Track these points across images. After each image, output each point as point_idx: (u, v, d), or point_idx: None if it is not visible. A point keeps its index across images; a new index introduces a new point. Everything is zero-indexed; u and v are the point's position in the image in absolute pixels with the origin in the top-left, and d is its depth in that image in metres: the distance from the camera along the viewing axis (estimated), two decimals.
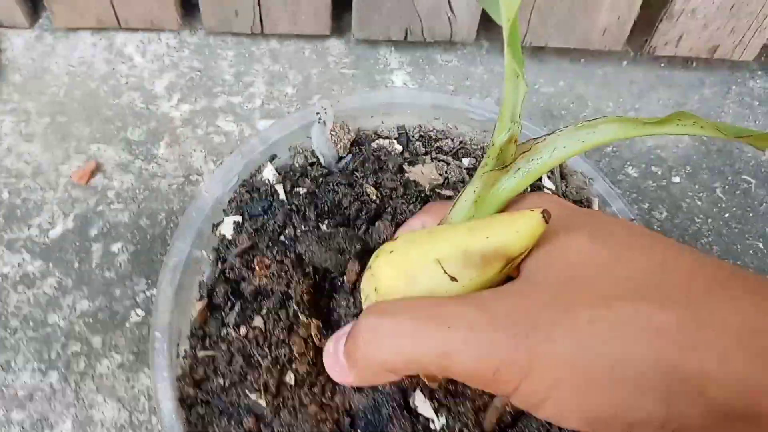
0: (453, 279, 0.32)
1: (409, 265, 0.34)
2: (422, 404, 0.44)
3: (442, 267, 0.32)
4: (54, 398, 0.57)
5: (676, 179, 0.74)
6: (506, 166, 0.35)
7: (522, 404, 0.29)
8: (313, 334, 0.46)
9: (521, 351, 0.27)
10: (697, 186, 0.74)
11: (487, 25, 0.79)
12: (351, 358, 0.33)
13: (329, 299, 0.48)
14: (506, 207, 0.37)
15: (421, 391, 0.45)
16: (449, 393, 0.44)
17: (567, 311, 0.27)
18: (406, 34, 0.75)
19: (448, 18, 0.73)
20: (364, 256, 0.47)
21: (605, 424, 0.27)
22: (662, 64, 0.82)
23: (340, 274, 0.48)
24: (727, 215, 0.72)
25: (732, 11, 0.73)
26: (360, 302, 0.44)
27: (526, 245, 0.31)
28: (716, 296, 0.28)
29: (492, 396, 0.44)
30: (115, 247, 0.64)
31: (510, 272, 0.33)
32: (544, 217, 0.30)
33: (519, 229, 0.31)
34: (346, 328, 0.35)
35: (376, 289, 0.36)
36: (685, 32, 0.75)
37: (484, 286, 0.32)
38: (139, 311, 0.61)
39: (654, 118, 0.31)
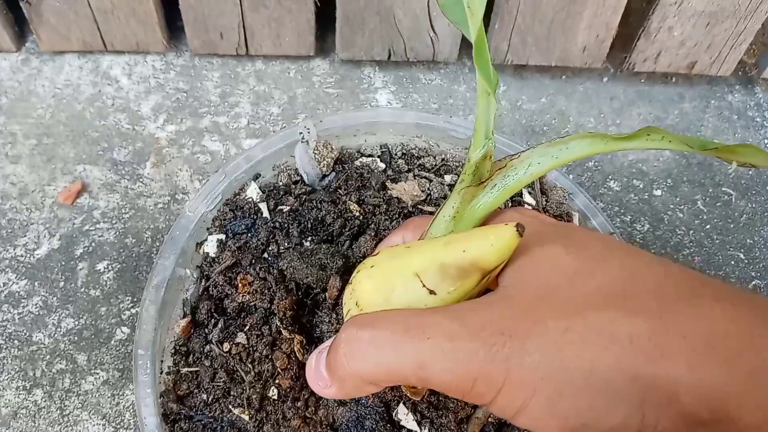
0: (431, 292, 0.33)
1: (388, 278, 0.35)
2: (405, 417, 0.45)
3: (421, 280, 0.33)
4: (38, 416, 0.57)
5: (658, 192, 0.75)
6: (483, 182, 0.35)
7: (500, 414, 0.29)
8: (296, 349, 0.46)
9: (497, 363, 0.27)
10: (678, 198, 0.75)
11: (469, 43, 0.81)
12: (332, 371, 0.33)
13: (312, 315, 0.49)
14: (485, 222, 0.37)
15: (404, 404, 0.45)
16: (432, 405, 0.45)
17: (540, 322, 0.28)
18: (390, 53, 0.76)
19: (431, 38, 0.75)
20: (346, 273, 0.48)
21: (583, 430, 0.27)
22: (642, 80, 0.83)
23: (322, 290, 0.49)
24: (708, 227, 0.73)
25: (707, 28, 0.74)
26: (342, 318, 0.44)
27: (502, 258, 0.32)
28: (685, 304, 0.28)
29: (475, 407, 0.45)
30: (101, 266, 0.64)
31: (489, 284, 0.34)
32: (518, 230, 0.31)
33: (494, 242, 0.31)
34: (328, 343, 0.36)
35: (357, 304, 0.36)
36: (663, 49, 0.77)
37: (462, 299, 0.33)
38: (125, 329, 0.61)
39: (623, 134, 0.32)
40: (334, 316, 0.46)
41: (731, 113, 0.83)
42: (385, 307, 0.34)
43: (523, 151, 0.35)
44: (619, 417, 0.26)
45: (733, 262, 0.71)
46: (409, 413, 0.45)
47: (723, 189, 0.77)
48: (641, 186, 0.76)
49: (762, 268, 0.71)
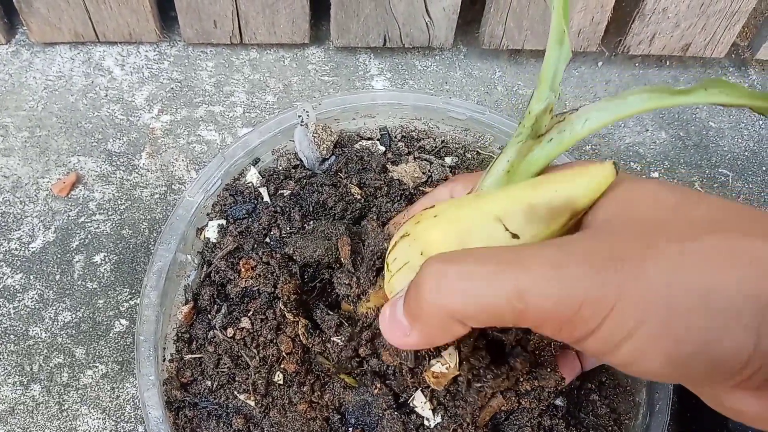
0: (514, 236, 0.31)
1: (462, 225, 0.33)
2: (421, 405, 0.44)
3: (503, 224, 0.31)
4: (36, 411, 0.56)
5: (655, 174, 0.75)
6: (540, 136, 0.34)
7: (598, 347, 0.27)
8: (300, 333, 0.45)
9: (610, 286, 0.26)
10: (675, 180, 0.75)
11: (464, 29, 0.80)
12: (413, 313, 0.31)
13: (319, 299, 0.48)
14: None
15: (422, 391, 0.44)
16: (450, 394, 0.43)
17: (653, 247, 0.26)
18: (385, 40, 0.76)
19: (426, 23, 0.74)
20: (352, 236, 0.47)
21: (689, 361, 0.26)
22: (636, 63, 0.83)
23: (332, 260, 0.47)
24: None
25: (702, 9, 0.74)
26: (363, 278, 0.43)
27: (595, 196, 0.31)
28: None
29: (492, 396, 0.44)
30: (98, 258, 0.63)
31: (567, 231, 0.32)
32: (615, 167, 0.30)
33: (591, 179, 0.30)
34: (402, 292, 0.33)
35: (422, 253, 0.34)
36: (657, 32, 0.77)
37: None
38: (123, 321, 0.60)
39: (681, 88, 0.31)
40: (355, 279, 0.44)
41: None
42: None
43: (581, 107, 0.34)
44: (733, 341, 0.25)
45: None
46: (427, 402, 0.44)
47: (720, 170, 0.77)
48: (639, 168, 0.76)
49: None
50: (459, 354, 0.40)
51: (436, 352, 0.41)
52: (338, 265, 0.47)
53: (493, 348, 0.42)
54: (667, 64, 0.84)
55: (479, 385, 0.41)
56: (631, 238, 0.27)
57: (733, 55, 0.85)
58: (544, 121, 0.34)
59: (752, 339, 0.25)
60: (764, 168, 0.77)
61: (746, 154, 0.78)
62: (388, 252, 0.38)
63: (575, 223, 0.32)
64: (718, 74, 0.84)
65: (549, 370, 0.43)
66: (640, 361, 0.27)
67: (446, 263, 0.29)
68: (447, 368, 0.40)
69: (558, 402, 0.48)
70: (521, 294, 0.27)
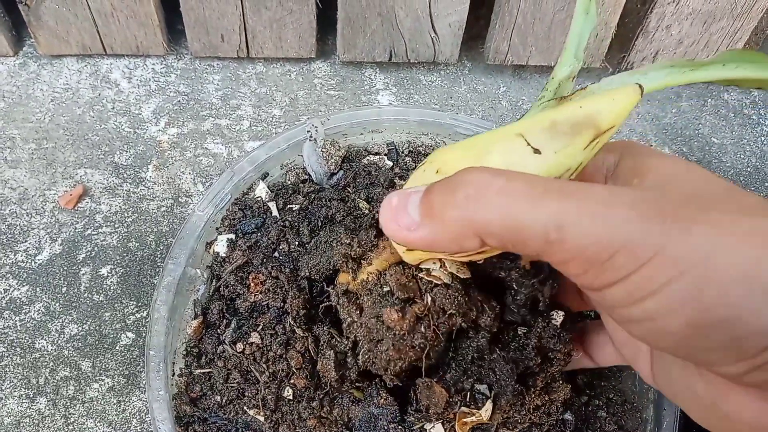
0: (536, 151, 0.30)
1: (481, 144, 0.32)
2: None
3: (525, 139, 0.30)
4: (42, 424, 0.56)
5: None
6: (563, 98, 0.34)
7: (620, 296, 0.27)
8: (310, 348, 0.45)
9: (652, 235, 0.25)
10: None
11: (469, 44, 0.81)
12: (432, 211, 0.30)
13: (326, 315, 0.48)
14: None
15: (442, 424, 0.44)
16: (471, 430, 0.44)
17: (705, 212, 0.26)
18: (391, 55, 0.76)
19: (432, 38, 0.75)
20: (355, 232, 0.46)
21: (711, 330, 0.25)
22: None
23: (340, 264, 0.45)
24: None
25: (704, 27, 0.75)
26: (366, 238, 0.42)
27: (619, 117, 0.30)
28: None
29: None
30: (104, 271, 0.63)
31: (593, 155, 0.31)
32: (639, 86, 0.30)
33: (615, 96, 0.30)
34: (417, 187, 0.32)
35: (437, 171, 0.33)
36: (660, 48, 0.78)
37: (567, 163, 0.31)
38: (130, 334, 0.60)
39: (700, 61, 0.31)
40: (356, 238, 0.43)
41: (728, 111, 0.83)
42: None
43: (603, 78, 0.34)
44: (764, 321, 0.24)
45: None
46: None
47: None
48: None
49: None
50: (494, 406, 0.40)
51: (472, 402, 0.41)
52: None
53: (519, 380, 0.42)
54: None
55: (508, 430, 0.42)
56: (684, 200, 0.26)
57: None
58: (567, 86, 0.34)
59: None
60: (767, 184, 0.78)
61: (749, 169, 0.79)
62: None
63: (599, 157, 0.32)
64: (720, 90, 0.85)
65: (560, 382, 0.43)
66: (660, 318, 0.26)
67: (493, 174, 0.28)
68: (478, 418, 0.40)
69: (567, 416, 0.48)
70: (561, 224, 0.26)
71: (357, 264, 0.41)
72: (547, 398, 0.43)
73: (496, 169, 0.29)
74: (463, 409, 0.42)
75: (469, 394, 0.42)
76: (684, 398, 0.33)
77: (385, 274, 0.40)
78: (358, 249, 0.41)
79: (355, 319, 0.41)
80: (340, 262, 0.42)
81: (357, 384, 0.46)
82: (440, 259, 0.39)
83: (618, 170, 0.33)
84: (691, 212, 0.25)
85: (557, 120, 0.30)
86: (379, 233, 0.42)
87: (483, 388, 0.43)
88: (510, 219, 0.27)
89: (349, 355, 0.43)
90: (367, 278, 0.41)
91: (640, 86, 0.29)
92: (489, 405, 0.41)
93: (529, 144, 0.30)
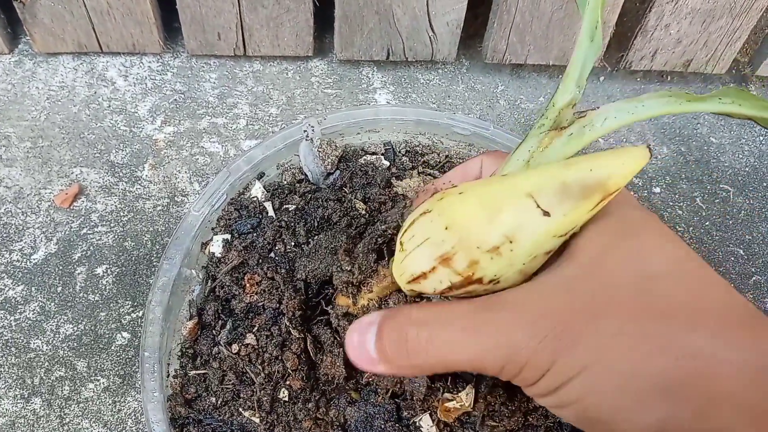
0: (546, 213, 0.31)
1: (491, 201, 0.33)
2: (428, 427, 0.44)
3: (535, 200, 0.31)
4: (37, 425, 0.55)
5: (657, 189, 0.76)
6: (561, 128, 0.34)
7: (534, 393, 0.32)
8: (309, 348, 0.45)
9: (546, 352, 0.29)
10: (677, 195, 0.75)
11: (467, 43, 0.81)
12: (384, 358, 0.35)
13: (323, 315, 0.48)
14: None
15: (430, 415, 0.44)
16: (459, 421, 0.43)
17: (594, 321, 0.29)
18: (388, 53, 0.76)
19: (429, 37, 0.74)
20: (356, 241, 0.46)
21: (594, 425, 0.30)
22: (638, 79, 0.84)
23: (340, 288, 0.45)
24: (707, 223, 0.74)
25: (703, 26, 0.75)
26: (365, 263, 0.42)
27: (628, 178, 0.31)
28: (746, 331, 0.29)
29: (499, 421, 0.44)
30: (100, 270, 0.63)
31: (588, 218, 0.32)
32: (648, 148, 0.31)
33: (625, 161, 0.31)
34: (368, 318, 0.37)
35: (446, 228, 0.34)
36: (659, 48, 0.77)
37: (573, 226, 0.32)
38: (125, 334, 0.60)
39: (697, 95, 0.32)
40: (356, 264, 0.43)
41: None
42: (487, 228, 0.32)
43: (603, 105, 0.34)
44: (635, 425, 0.28)
45: (732, 258, 0.72)
46: (434, 426, 0.44)
47: (721, 186, 0.77)
48: (640, 183, 0.76)
49: (761, 264, 0.71)
50: (476, 393, 0.40)
51: (452, 387, 0.41)
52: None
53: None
54: (669, 79, 0.84)
55: (494, 423, 0.41)
56: (581, 306, 0.30)
57: (733, 71, 0.85)
58: (566, 114, 0.34)
59: (655, 427, 0.28)
60: (765, 184, 0.77)
61: (747, 169, 0.78)
62: (402, 231, 0.37)
63: (574, 236, 0.33)
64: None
65: None
66: (559, 409, 0.31)
67: (420, 328, 0.33)
68: (461, 405, 0.40)
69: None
70: (479, 358, 0.31)
71: (357, 289, 0.42)
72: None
73: (429, 317, 0.34)
74: (446, 395, 0.42)
75: (450, 379, 0.42)
76: None
77: (386, 302, 0.41)
78: (359, 276, 0.42)
79: None
80: (341, 286, 0.43)
81: (358, 386, 0.46)
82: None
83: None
84: (582, 321, 0.29)
85: (567, 182, 0.31)
86: (379, 256, 0.43)
87: (465, 374, 0.43)
88: (443, 362, 0.33)
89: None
90: (368, 304, 0.41)
91: (649, 149, 0.31)
92: (470, 390, 0.41)
93: (539, 206, 0.31)
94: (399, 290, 0.41)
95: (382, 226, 0.44)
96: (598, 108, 0.34)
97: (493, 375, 0.32)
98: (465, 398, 0.40)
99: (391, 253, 0.42)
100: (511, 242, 0.32)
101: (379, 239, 0.43)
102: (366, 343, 0.36)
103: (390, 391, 0.44)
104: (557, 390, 0.30)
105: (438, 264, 0.34)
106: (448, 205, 0.35)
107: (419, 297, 0.40)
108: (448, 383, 0.42)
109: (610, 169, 0.31)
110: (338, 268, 0.43)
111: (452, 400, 0.41)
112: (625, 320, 0.29)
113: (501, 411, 0.41)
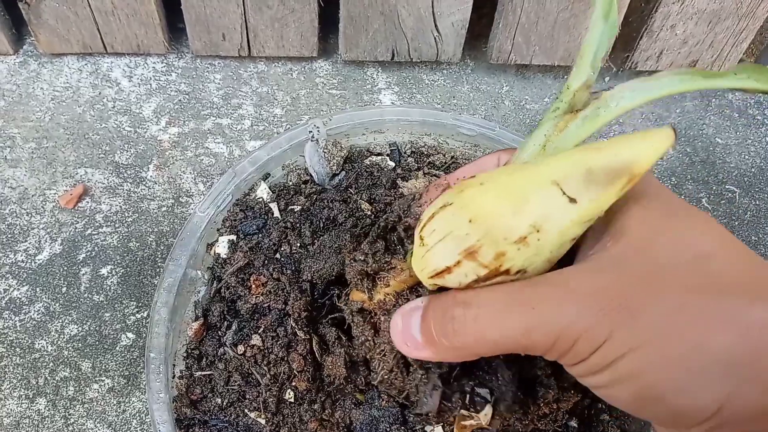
0: (572, 200, 0.31)
1: (516, 191, 0.32)
2: None
3: (560, 188, 0.31)
4: (42, 425, 0.55)
5: None
6: (577, 111, 0.34)
7: (582, 371, 0.31)
8: (315, 349, 0.45)
9: (603, 325, 0.28)
10: (683, 196, 0.75)
11: (472, 44, 0.81)
12: (430, 341, 0.35)
13: (328, 315, 0.48)
14: None
15: (443, 427, 0.44)
16: None
17: (655, 295, 0.28)
18: (393, 54, 0.76)
19: (434, 37, 0.74)
20: (360, 240, 0.46)
21: (653, 403, 0.28)
22: None
23: (354, 281, 0.44)
24: None
25: (709, 27, 0.75)
26: (380, 255, 0.41)
27: (654, 160, 0.30)
28: None
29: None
30: (104, 271, 0.63)
31: (604, 221, 0.32)
32: (673, 129, 0.30)
33: (651, 142, 0.30)
34: (412, 303, 0.37)
35: (470, 221, 0.33)
36: (665, 48, 0.77)
37: (599, 211, 0.31)
38: (130, 334, 0.60)
39: (712, 71, 0.32)
40: (370, 255, 0.41)
41: (732, 111, 0.83)
42: (513, 219, 0.32)
43: (616, 86, 0.33)
44: (699, 400, 0.27)
45: None
46: None
47: (727, 186, 0.77)
48: None
49: None
50: (493, 411, 0.40)
51: (470, 404, 0.41)
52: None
53: (522, 388, 0.42)
54: None
55: None
56: (637, 282, 0.29)
57: None
58: (581, 97, 0.34)
59: (718, 403, 0.27)
60: None
61: (753, 170, 0.78)
62: (421, 225, 0.36)
63: (607, 223, 0.32)
64: (725, 90, 0.84)
65: (572, 391, 0.43)
66: (611, 388, 0.30)
67: (466, 308, 0.32)
68: (477, 423, 0.40)
69: (572, 423, 0.47)
70: (527, 334, 0.30)
71: (372, 282, 0.41)
72: (555, 406, 0.43)
73: (471, 298, 0.33)
74: (462, 412, 0.41)
75: (468, 396, 0.42)
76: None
77: (404, 296, 0.39)
78: (374, 265, 0.40)
79: (369, 338, 0.41)
80: (355, 279, 0.41)
81: (360, 387, 0.46)
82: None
83: (608, 213, 0.34)
84: (642, 296, 0.29)
85: (592, 168, 0.30)
86: (387, 249, 0.42)
87: (484, 392, 0.42)
88: (489, 341, 0.32)
89: (361, 365, 0.43)
90: (384, 299, 0.40)
91: (674, 129, 0.30)
92: (488, 409, 0.41)
93: (565, 193, 0.31)
94: (417, 284, 0.40)
95: (390, 217, 0.43)
96: (611, 88, 0.33)
97: (540, 353, 0.31)
98: (483, 418, 0.40)
99: (401, 244, 0.42)
100: (538, 231, 0.31)
101: (383, 228, 0.43)
102: (410, 327, 0.36)
103: (395, 399, 0.44)
104: (611, 364, 0.29)
105: (463, 258, 0.33)
106: (471, 197, 0.34)
107: (441, 290, 0.39)
108: (466, 400, 0.41)
109: (636, 152, 0.30)
110: (351, 260, 0.42)
111: (470, 418, 0.40)
112: (685, 296, 0.28)
113: (515, 426, 0.41)
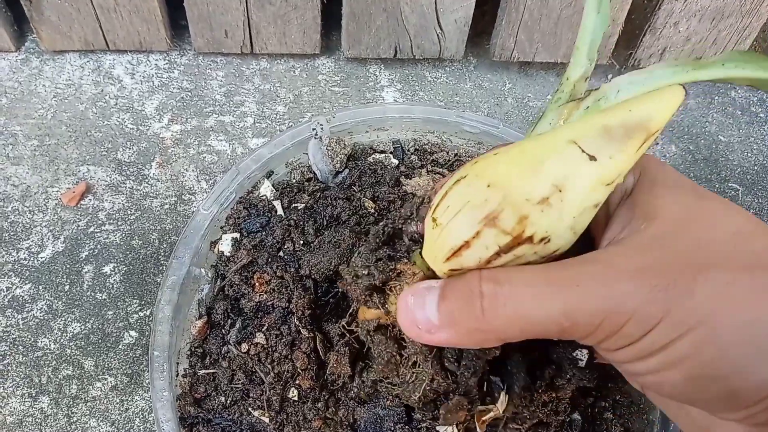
0: (592, 158, 0.30)
1: (533, 152, 0.31)
2: None
3: (579, 146, 0.30)
4: (45, 423, 0.55)
5: None
6: (579, 99, 0.34)
7: (630, 355, 0.29)
8: (319, 347, 0.45)
9: (657, 302, 0.27)
10: None
11: (475, 41, 0.80)
12: (454, 320, 0.32)
13: (333, 314, 0.48)
14: None
15: (456, 426, 0.44)
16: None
17: (705, 272, 0.27)
18: (396, 51, 0.76)
19: (437, 35, 0.74)
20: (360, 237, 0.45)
21: (708, 383, 0.27)
22: None
23: (363, 299, 0.42)
24: None
25: (713, 24, 0.74)
26: (382, 260, 0.39)
27: (667, 116, 0.30)
28: None
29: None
30: (107, 269, 0.62)
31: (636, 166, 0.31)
32: (683, 87, 0.30)
33: (663, 98, 0.30)
34: (426, 283, 0.34)
35: (488, 186, 0.32)
36: (668, 45, 0.77)
37: (619, 173, 0.30)
38: (133, 332, 0.60)
39: (701, 62, 0.31)
40: (374, 261, 0.40)
41: (735, 109, 0.83)
42: (533, 179, 0.30)
43: (614, 77, 0.34)
44: (759, 376, 0.26)
45: None
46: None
47: (729, 185, 0.77)
48: None
49: None
50: (508, 399, 0.40)
51: (489, 397, 0.41)
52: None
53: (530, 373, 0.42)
54: None
55: (516, 426, 0.41)
56: (682, 260, 0.28)
57: None
58: (580, 87, 0.34)
59: None
60: None
61: (756, 168, 0.78)
62: (433, 208, 0.35)
63: (629, 211, 0.32)
64: (727, 88, 0.84)
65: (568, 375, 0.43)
66: (662, 372, 0.28)
67: (497, 283, 0.30)
68: (495, 413, 0.40)
69: (575, 416, 0.47)
70: (569, 313, 0.28)
71: (383, 295, 0.39)
72: (553, 395, 0.43)
73: (500, 275, 0.30)
74: (480, 408, 0.41)
75: (485, 386, 0.42)
76: (678, 415, 0.34)
77: None
78: (380, 276, 0.38)
79: (395, 354, 0.39)
80: (363, 297, 0.39)
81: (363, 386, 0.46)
82: None
83: (633, 199, 0.33)
84: (690, 272, 0.27)
85: (610, 125, 0.30)
86: (390, 257, 0.40)
87: (496, 379, 0.42)
88: (523, 322, 0.29)
89: (366, 372, 0.43)
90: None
91: (684, 87, 0.30)
92: (504, 397, 0.41)
93: (584, 151, 0.30)
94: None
95: (390, 223, 0.43)
96: (609, 80, 0.33)
97: (579, 337, 0.29)
98: (500, 407, 0.40)
99: (406, 249, 0.41)
100: (560, 191, 0.30)
101: (386, 231, 0.42)
102: (425, 306, 0.32)
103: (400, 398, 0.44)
104: (667, 346, 0.27)
105: (483, 227, 0.31)
106: (486, 165, 0.33)
107: None
108: (483, 390, 0.41)
109: (649, 108, 0.30)
110: (353, 276, 0.39)
111: (488, 412, 0.40)
112: (735, 272, 0.27)
113: (523, 414, 0.41)
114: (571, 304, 0.28)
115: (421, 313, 0.33)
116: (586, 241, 0.33)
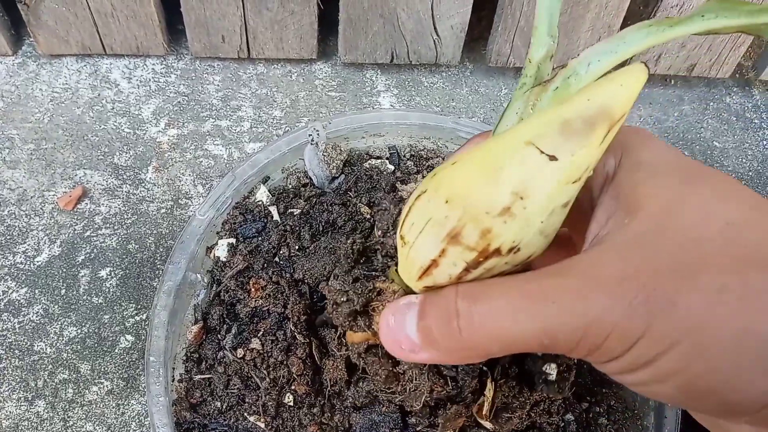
0: (552, 158, 0.28)
1: (490, 159, 0.29)
2: None
3: (537, 147, 0.28)
4: (41, 427, 0.55)
5: None
6: (546, 82, 0.31)
7: (617, 369, 0.27)
8: (314, 353, 0.45)
9: (637, 317, 0.25)
10: None
11: (471, 46, 0.81)
12: (429, 341, 0.31)
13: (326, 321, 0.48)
14: None
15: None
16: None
17: (691, 278, 0.25)
18: (392, 56, 0.76)
19: (434, 40, 0.74)
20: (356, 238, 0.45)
21: (702, 395, 0.26)
22: None
23: (347, 324, 0.42)
24: None
25: None
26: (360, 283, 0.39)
27: (630, 101, 0.28)
28: None
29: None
30: (103, 273, 0.63)
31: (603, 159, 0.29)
32: (644, 64, 0.28)
33: (623, 81, 0.27)
34: (405, 299, 0.32)
35: (447, 201, 0.30)
36: (663, 51, 0.77)
37: (586, 167, 0.28)
38: (129, 337, 0.60)
39: (677, 17, 0.29)
40: (350, 286, 0.39)
41: (730, 115, 0.83)
42: (492, 189, 0.28)
43: (582, 51, 0.31)
44: (754, 387, 0.24)
45: None
46: None
47: None
48: None
49: None
50: (494, 386, 0.40)
51: (479, 394, 0.41)
52: None
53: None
54: (672, 83, 0.84)
55: (508, 415, 0.42)
56: (667, 263, 0.26)
57: (737, 75, 0.85)
58: (546, 68, 0.32)
59: None
60: None
61: (750, 174, 0.78)
62: (400, 225, 0.33)
63: (614, 203, 0.29)
64: (722, 94, 0.85)
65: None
66: (653, 385, 0.27)
67: (472, 301, 0.29)
68: (488, 403, 0.40)
69: (568, 416, 0.48)
70: (548, 331, 0.26)
71: (367, 318, 0.38)
72: (545, 395, 0.44)
73: (477, 290, 0.29)
74: (475, 406, 0.42)
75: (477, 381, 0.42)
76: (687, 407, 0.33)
77: None
78: (360, 300, 0.38)
79: (389, 369, 0.39)
80: (347, 323, 0.39)
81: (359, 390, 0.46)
82: None
83: (616, 185, 0.30)
84: (674, 280, 0.25)
85: (568, 118, 0.28)
86: (367, 277, 0.39)
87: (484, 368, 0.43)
88: (502, 340, 0.28)
89: (362, 382, 0.43)
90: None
91: (646, 65, 0.28)
92: (490, 384, 0.41)
93: (542, 152, 0.28)
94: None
95: (358, 240, 0.43)
96: (578, 55, 0.31)
97: (564, 352, 0.28)
98: (488, 393, 0.40)
99: (383, 265, 0.42)
100: (522, 199, 0.28)
101: (355, 249, 0.42)
102: (405, 326, 0.31)
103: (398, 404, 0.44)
104: (652, 361, 0.25)
105: (447, 245, 0.30)
106: (443, 177, 0.31)
107: None
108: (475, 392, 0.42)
109: (609, 93, 0.27)
110: (333, 305, 0.39)
111: (484, 403, 0.41)
112: (725, 274, 0.25)
113: (513, 404, 0.42)
114: (549, 321, 0.26)
115: (402, 333, 0.32)
116: (575, 225, 0.31)
